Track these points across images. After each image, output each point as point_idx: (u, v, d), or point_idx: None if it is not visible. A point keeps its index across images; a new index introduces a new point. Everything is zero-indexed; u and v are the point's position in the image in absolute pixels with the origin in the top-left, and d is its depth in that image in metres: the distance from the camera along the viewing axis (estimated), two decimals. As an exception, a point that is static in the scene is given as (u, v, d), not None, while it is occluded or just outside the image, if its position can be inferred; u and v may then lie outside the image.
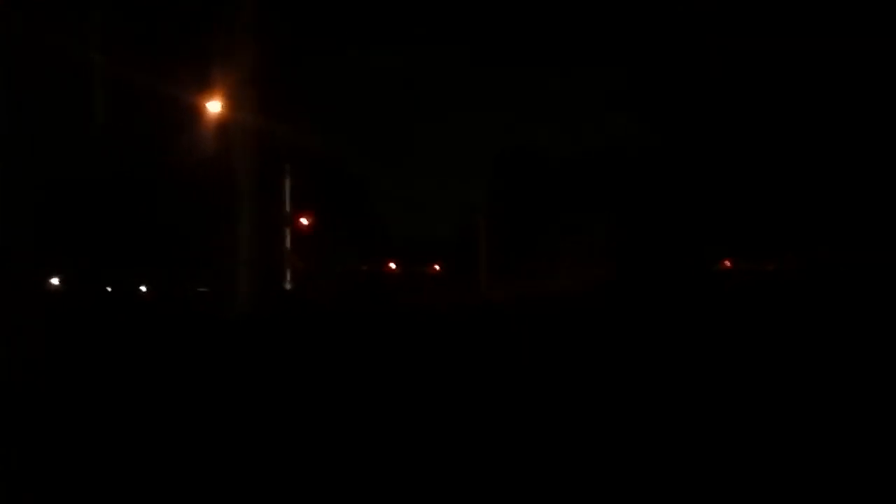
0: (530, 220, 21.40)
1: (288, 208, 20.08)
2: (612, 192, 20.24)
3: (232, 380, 10.18)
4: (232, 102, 17.80)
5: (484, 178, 22.02)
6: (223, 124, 17.77)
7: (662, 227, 19.44)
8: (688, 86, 19.32)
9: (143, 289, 19.59)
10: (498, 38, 20.60)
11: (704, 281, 19.21)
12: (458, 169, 21.60)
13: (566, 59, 20.13)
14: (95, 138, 17.87)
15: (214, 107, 17.86)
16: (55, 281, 19.19)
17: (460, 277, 21.11)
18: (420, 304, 18.12)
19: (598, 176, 20.60)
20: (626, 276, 18.82)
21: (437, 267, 22.39)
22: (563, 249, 20.11)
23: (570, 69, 20.21)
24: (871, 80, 17.01)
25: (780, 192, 18.17)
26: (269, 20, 18.41)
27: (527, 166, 22.10)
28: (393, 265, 22.34)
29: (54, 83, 17.67)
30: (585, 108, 20.77)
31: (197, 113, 17.79)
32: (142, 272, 19.09)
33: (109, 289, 18.54)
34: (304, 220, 20.66)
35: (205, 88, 17.83)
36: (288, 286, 19.77)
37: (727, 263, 20.11)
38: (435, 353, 11.77)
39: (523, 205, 21.68)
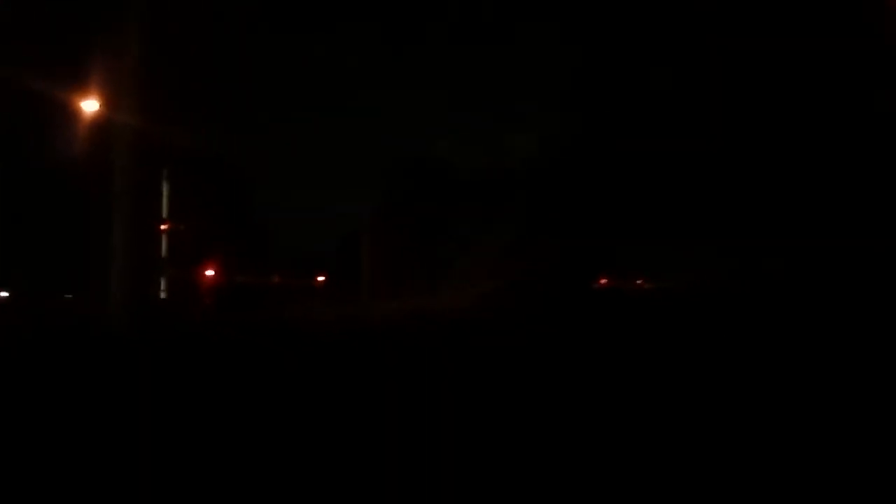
0: (417, 234, 21.37)
1: (165, 213, 19.45)
2: (499, 209, 20.43)
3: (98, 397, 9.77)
4: (110, 101, 17.18)
5: (371, 189, 21.89)
6: (100, 124, 17.12)
7: (546, 244, 19.69)
8: (583, 107, 19.70)
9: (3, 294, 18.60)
10: (393, 48, 20.57)
11: (583, 297, 19.55)
12: (346, 179, 21.40)
13: (462, 75, 20.27)
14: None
15: (91, 106, 17.21)
16: None
17: (343, 290, 20.88)
18: (295, 317, 17.77)
19: (486, 191, 20.75)
20: (508, 291, 18.95)
21: (321, 279, 22.09)
22: (449, 264, 20.15)
23: (467, 85, 20.35)
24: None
25: (662, 208, 18.60)
26: (154, 16, 17.86)
27: (415, 178, 22.08)
28: (276, 277, 21.93)
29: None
30: (477, 124, 20.90)
31: (72, 111, 17.11)
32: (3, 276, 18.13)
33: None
34: (181, 227, 20.06)
35: (81, 86, 17.18)
36: (162, 295, 19.12)
37: (603, 281, 20.53)
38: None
39: (410, 218, 21.63)
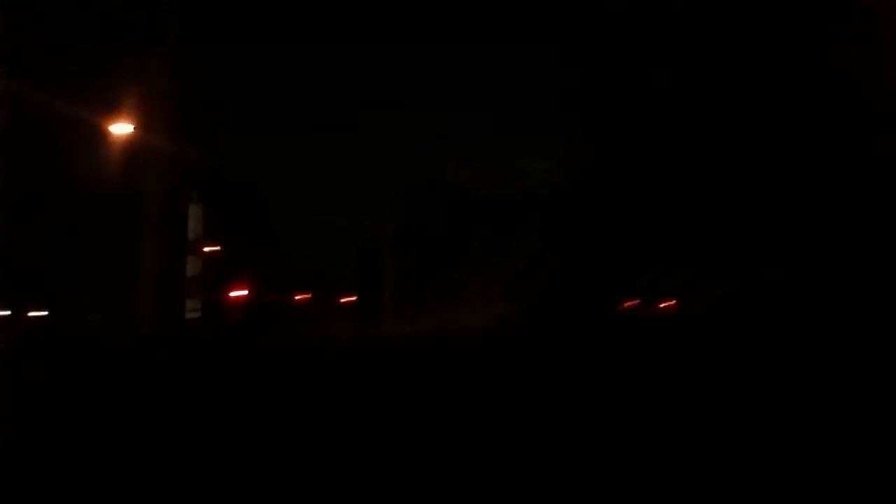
0: (435, 255, 21.52)
1: (193, 235, 19.72)
2: (517, 230, 20.56)
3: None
4: (141, 124, 17.47)
5: (388, 210, 22.05)
6: (131, 146, 17.40)
7: (570, 266, 19.80)
8: (604, 131, 19.83)
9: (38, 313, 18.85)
10: (410, 69, 20.78)
11: (607, 320, 19.61)
12: (364, 200, 21.60)
13: (486, 98, 20.46)
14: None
15: (123, 129, 17.51)
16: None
17: (365, 309, 21.03)
18: (321, 337, 17.96)
19: (503, 213, 20.90)
20: (532, 314, 19.05)
21: (344, 299, 22.26)
22: (468, 285, 20.27)
23: (491, 109, 20.52)
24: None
25: (685, 232, 18.68)
26: (185, 40, 18.17)
27: (433, 199, 22.25)
28: (299, 296, 22.11)
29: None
30: (501, 148, 21.07)
31: (103, 134, 17.40)
32: (36, 296, 18.39)
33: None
34: (208, 248, 20.32)
35: (113, 109, 17.48)
36: (189, 315, 19.34)
37: (630, 304, 20.57)
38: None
39: (428, 238, 21.79)
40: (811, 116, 17.12)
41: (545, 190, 20.82)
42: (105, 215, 17.64)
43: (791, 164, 17.47)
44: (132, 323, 16.89)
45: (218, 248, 20.73)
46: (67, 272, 17.57)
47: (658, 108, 19.12)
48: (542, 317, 19.17)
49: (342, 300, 22.14)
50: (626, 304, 20.37)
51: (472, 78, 20.56)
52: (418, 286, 20.70)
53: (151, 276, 16.88)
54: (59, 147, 17.44)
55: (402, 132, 21.12)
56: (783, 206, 17.61)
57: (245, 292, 20.91)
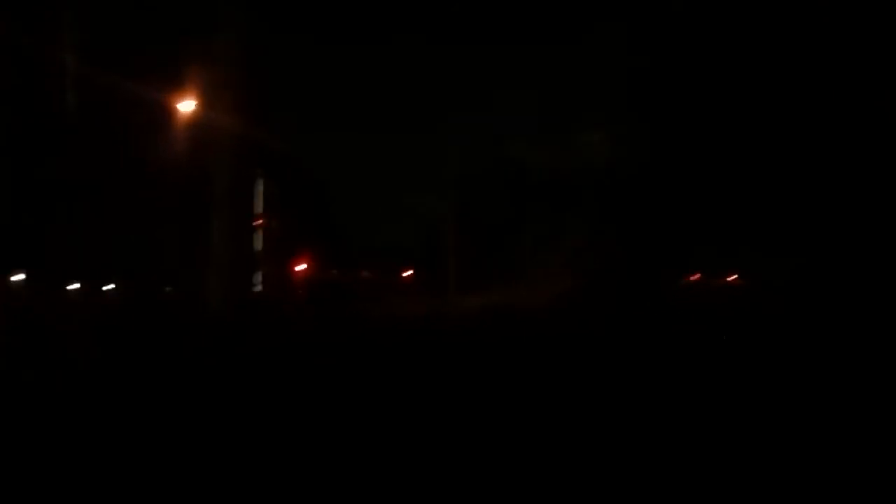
0: (495, 232, 21.63)
1: (259, 211, 20.08)
2: (582, 206, 20.57)
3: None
4: (207, 103, 17.78)
5: (451, 187, 22.21)
6: (198, 126, 17.73)
7: (631, 240, 19.78)
8: (661, 104, 19.73)
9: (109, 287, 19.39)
10: (472, 48, 20.87)
11: (672, 294, 19.58)
12: (425, 178, 21.81)
13: (541, 74, 20.49)
14: (67, 138, 17.73)
15: (188, 107, 17.83)
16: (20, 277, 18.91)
17: (428, 286, 21.24)
18: (391, 312, 18.19)
19: (568, 189, 20.92)
20: (594, 288, 19.08)
21: (408, 275, 22.52)
22: (532, 261, 20.35)
23: (545, 85, 20.56)
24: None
25: (747, 205, 18.56)
26: (246, 21, 18.44)
27: (492, 177, 22.34)
28: (364, 272, 22.42)
29: (25, 83, 17.52)
30: (557, 124, 21.10)
31: (171, 114, 17.75)
32: (111, 272, 18.90)
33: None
34: (273, 224, 20.69)
35: (179, 89, 17.80)
36: (258, 289, 19.74)
37: (694, 277, 20.53)
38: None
39: (491, 215, 21.91)
40: (869, 98, 16.93)
41: (603, 165, 20.79)
42: (176, 193, 18.01)
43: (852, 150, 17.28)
44: (203, 297, 17.28)
45: (280, 224, 21.10)
46: (140, 248, 18.00)
47: (717, 88, 18.99)
48: (600, 292, 19.20)
49: (404, 278, 22.42)
50: (690, 279, 20.35)
51: (530, 56, 20.63)
52: (478, 263, 20.84)
53: (221, 250, 17.22)
54: (131, 129, 17.84)
55: (462, 111, 21.30)
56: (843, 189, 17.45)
57: (306, 267, 21.26)
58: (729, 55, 18.77)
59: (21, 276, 18.20)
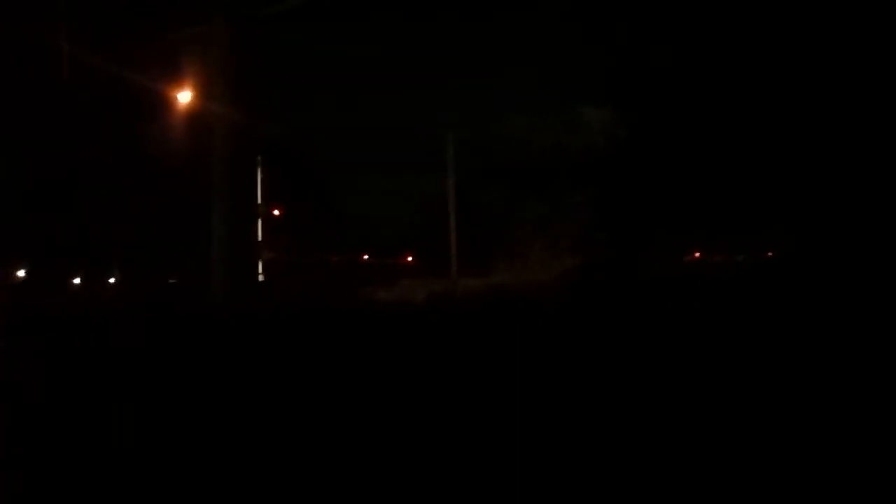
0: (495, 212, 21.66)
1: (260, 199, 20.08)
2: (582, 184, 20.60)
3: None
4: (204, 92, 17.74)
5: (447, 169, 22.20)
6: (196, 114, 17.72)
7: (632, 219, 19.82)
8: (660, 81, 19.71)
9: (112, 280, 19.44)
10: (466, 31, 20.83)
11: (673, 272, 19.63)
12: (422, 160, 21.80)
13: (538, 51, 20.45)
14: (64, 129, 17.71)
15: (185, 97, 17.81)
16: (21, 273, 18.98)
17: (429, 268, 21.30)
18: (393, 296, 18.24)
19: (567, 167, 20.94)
20: (595, 266, 19.15)
21: (408, 258, 22.59)
22: (532, 241, 20.41)
23: (542, 61, 20.53)
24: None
25: (753, 182, 18.58)
26: (243, 8, 18.34)
27: (491, 156, 22.34)
28: (365, 257, 22.49)
29: (19, 73, 17.47)
30: (554, 101, 21.10)
31: (169, 103, 17.73)
32: (111, 264, 18.93)
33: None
34: (274, 212, 20.72)
35: (176, 78, 17.78)
36: (261, 277, 19.78)
37: (696, 255, 20.59)
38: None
39: (487, 196, 21.93)
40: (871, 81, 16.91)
41: (604, 143, 20.80)
42: (176, 182, 18.02)
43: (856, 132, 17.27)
44: (206, 286, 17.30)
45: (279, 211, 21.13)
46: (143, 240, 18.03)
47: (724, 64, 18.96)
48: (601, 273, 19.25)
49: (404, 260, 22.47)
50: (691, 257, 20.41)
51: (527, 32, 20.58)
52: (478, 244, 20.89)
53: (223, 239, 17.22)
54: (130, 120, 17.83)
55: (458, 90, 21.25)
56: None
57: (305, 253, 21.31)
58: (732, 36, 18.74)
59: (22, 273, 18.24)
